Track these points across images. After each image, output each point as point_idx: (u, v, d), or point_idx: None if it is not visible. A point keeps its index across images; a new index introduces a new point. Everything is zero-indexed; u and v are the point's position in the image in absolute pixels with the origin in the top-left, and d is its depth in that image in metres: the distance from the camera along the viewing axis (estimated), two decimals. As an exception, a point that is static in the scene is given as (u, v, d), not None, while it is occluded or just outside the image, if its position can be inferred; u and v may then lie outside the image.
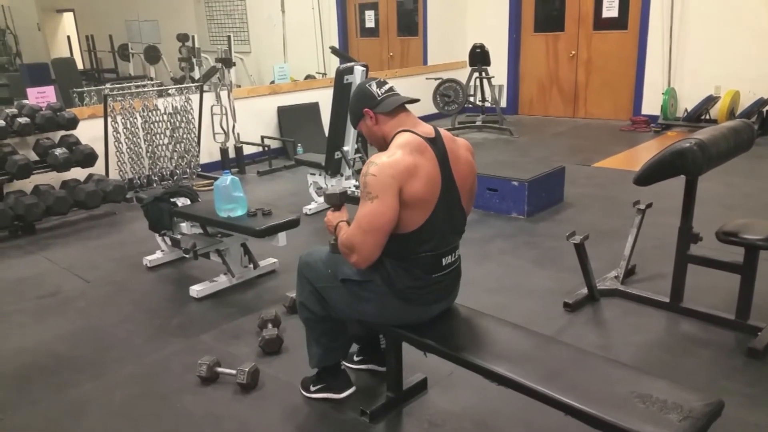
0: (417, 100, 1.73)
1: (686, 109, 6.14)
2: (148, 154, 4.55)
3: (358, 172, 3.35)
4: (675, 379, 1.50)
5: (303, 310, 1.90)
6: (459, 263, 1.79)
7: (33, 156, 3.99)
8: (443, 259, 1.69)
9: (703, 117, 6.00)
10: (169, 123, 4.61)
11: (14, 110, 4.05)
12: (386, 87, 1.70)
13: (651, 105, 6.40)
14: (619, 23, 6.62)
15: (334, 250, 1.74)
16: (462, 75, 6.71)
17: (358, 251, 1.58)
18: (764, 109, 5.62)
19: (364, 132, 1.74)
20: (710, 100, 5.94)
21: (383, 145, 1.70)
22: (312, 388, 1.99)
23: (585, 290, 2.60)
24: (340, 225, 1.70)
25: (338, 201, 1.75)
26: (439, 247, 1.67)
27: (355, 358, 2.13)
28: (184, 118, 4.70)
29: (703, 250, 2.44)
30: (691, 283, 2.45)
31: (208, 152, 5.18)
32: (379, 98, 1.68)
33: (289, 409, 1.96)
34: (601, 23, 6.75)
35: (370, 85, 1.70)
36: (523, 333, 1.74)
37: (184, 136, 4.72)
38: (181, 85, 5.01)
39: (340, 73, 3.65)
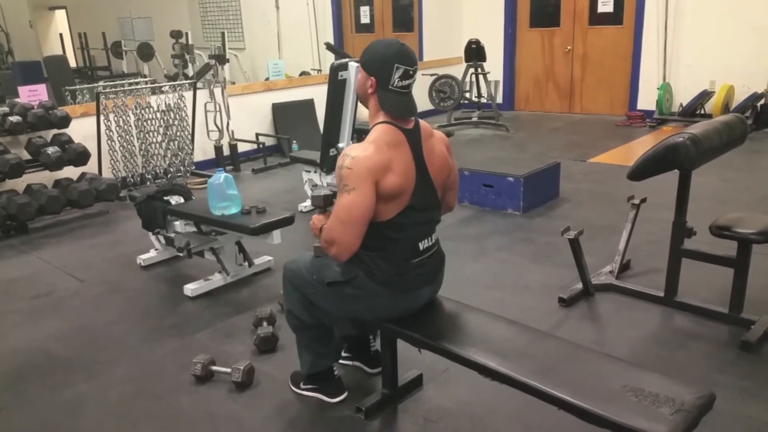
0: (413, 116, 1.68)
1: (681, 104, 6.15)
2: (142, 152, 4.53)
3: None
4: (669, 373, 1.51)
5: (291, 318, 1.89)
6: (439, 247, 1.80)
7: (25, 155, 3.96)
8: (420, 244, 1.71)
9: (698, 112, 6.01)
10: (162, 121, 4.59)
11: (6, 109, 4.02)
12: (406, 83, 1.61)
13: (646, 100, 6.41)
14: (614, 18, 6.62)
15: (318, 253, 1.72)
16: (457, 71, 6.69)
17: (337, 243, 1.58)
18: (758, 104, 5.63)
19: (359, 80, 1.68)
20: (705, 95, 5.95)
21: (365, 104, 1.70)
22: (303, 386, 1.99)
23: (580, 285, 2.60)
24: (324, 228, 1.69)
25: (323, 203, 1.74)
26: (414, 236, 1.69)
27: (343, 354, 2.13)
28: (177, 116, 4.68)
29: (697, 244, 2.44)
30: (685, 277, 2.45)
31: (202, 150, 5.16)
32: (390, 86, 1.60)
33: (284, 406, 1.96)
34: (597, 18, 6.75)
35: (397, 67, 1.58)
36: (518, 328, 1.75)
37: (178, 133, 4.70)
38: (174, 82, 4.98)
39: (335, 70, 3.64)
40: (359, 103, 3.85)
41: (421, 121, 1.72)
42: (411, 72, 1.62)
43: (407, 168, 1.61)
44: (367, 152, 1.56)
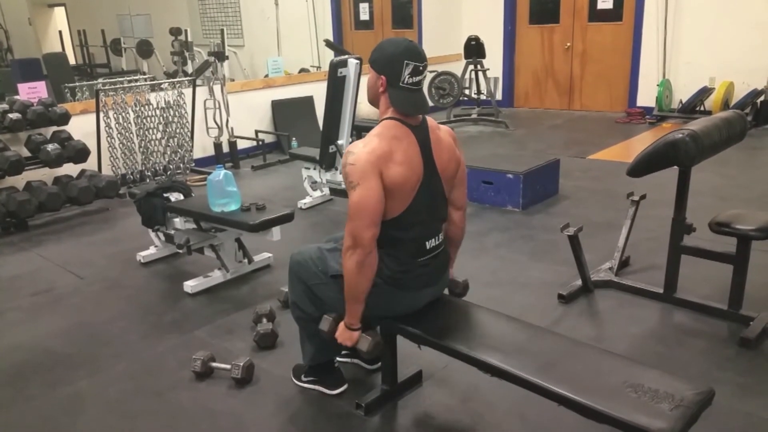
0: (425, 114, 1.68)
1: (681, 101, 6.15)
2: (141, 149, 4.52)
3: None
4: (668, 370, 1.51)
5: (295, 309, 1.90)
6: (445, 247, 1.80)
7: (25, 152, 3.96)
8: (426, 243, 1.71)
9: (697, 108, 6.01)
10: (161, 118, 4.58)
11: (5, 106, 4.01)
12: (416, 79, 1.60)
13: (646, 96, 6.41)
14: (614, 15, 6.61)
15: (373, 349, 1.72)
16: (457, 68, 6.68)
17: (357, 239, 1.56)
18: (758, 101, 5.63)
19: (369, 80, 1.67)
20: (705, 92, 5.94)
21: (375, 104, 1.70)
22: (304, 378, 2.00)
23: (579, 282, 2.60)
24: (343, 322, 1.71)
25: (331, 330, 1.74)
26: (421, 235, 1.69)
27: (342, 351, 2.13)
28: (176, 113, 4.67)
29: (697, 240, 2.45)
30: (684, 273, 2.46)
31: (202, 147, 5.15)
32: (400, 83, 1.60)
33: (284, 403, 1.96)
34: (596, 15, 6.74)
35: (407, 64, 1.58)
36: (518, 325, 1.75)
37: (177, 130, 4.69)
38: (173, 80, 4.97)
39: (334, 66, 3.64)
40: (359, 100, 3.87)
41: (428, 117, 1.72)
42: (421, 68, 1.61)
43: (412, 158, 1.61)
44: (368, 146, 1.57)
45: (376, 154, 1.55)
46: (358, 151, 1.56)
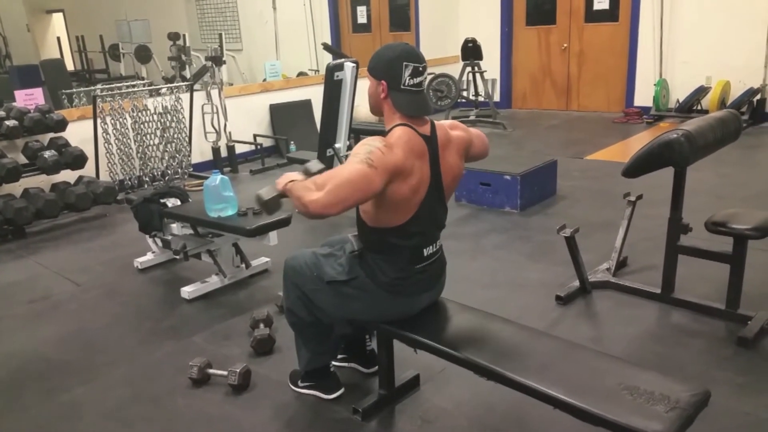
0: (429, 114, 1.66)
1: (678, 100, 6.15)
2: (139, 155, 4.53)
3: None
4: (666, 370, 1.51)
5: (290, 315, 1.89)
6: (442, 253, 1.80)
7: (22, 159, 3.96)
8: (424, 250, 1.70)
9: (694, 108, 6.01)
10: (159, 123, 4.59)
11: (2, 113, 4.01)
12: (417, 80, 1.58)
13: (643, 96, 6.41)
14: (610, 15, 6.62)
15: (260, 200, 1.71)
16: (454, 70, 6.69)
17: (328, 191, 1.45)
18: (754, 99, 5.63)
19: (369, 89, 1.65)
20: (701, 91, 5.95)
21: (378, 113, 1.67)
22: (300, 384, 2.00)
23: (577, 283, 2.60)
24: (294, 180, 1.63)
25: (311, 174, 1.66)
26: (420, 243, 1.69)
27: (339, 356, 2.12)
28: (174, 118, 4.68)
29: (693, 240, 2.44)
30: (681, 273, 2.45)
31: (200, 152, 5.16)
32: (402, 86, 1.57)
33: (281, 408, 1.96)
34: (593, 15, 6.75)
35: (406, 66, 1.56)
36: (514, 328, 1.75)
37: (175, 135, 4.70)
38: (170, 85, 4.98)
39: (330, 70, 3.64)
40: (356, 104, 3.87)
41: (438, 125, 1.68)
42: (420, 69, 1.59)
43: (421, 183, 1.59)
44: (396, 150, 1.53)
45: (401, 162, 1.53)
46: (390, 147, 1.52)
